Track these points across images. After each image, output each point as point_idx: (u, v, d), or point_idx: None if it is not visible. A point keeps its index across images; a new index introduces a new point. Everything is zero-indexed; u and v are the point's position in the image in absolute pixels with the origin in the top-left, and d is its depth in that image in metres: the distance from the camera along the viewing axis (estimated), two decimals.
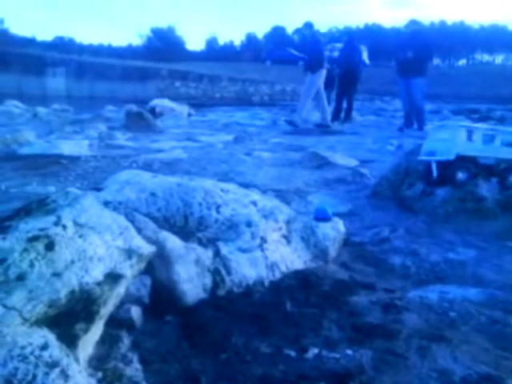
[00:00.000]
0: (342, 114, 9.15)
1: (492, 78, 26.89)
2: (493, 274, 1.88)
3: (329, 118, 8.09)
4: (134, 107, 7.72)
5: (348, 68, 8.55)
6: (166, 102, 11.41)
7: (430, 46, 7.47)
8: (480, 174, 2.70)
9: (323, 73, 7.68)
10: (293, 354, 1.28)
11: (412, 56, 6.82)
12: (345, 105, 9.10)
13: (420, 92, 7.10)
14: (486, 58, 72.22)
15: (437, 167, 2.66)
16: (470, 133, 2.65)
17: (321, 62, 7.59)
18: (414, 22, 7.30)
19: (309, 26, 7.81)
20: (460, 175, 2.63)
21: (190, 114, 10.37)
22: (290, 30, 76.28)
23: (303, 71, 8.00)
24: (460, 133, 2.64)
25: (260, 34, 76.35)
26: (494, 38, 63.75)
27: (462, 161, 2.63)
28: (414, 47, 6.86)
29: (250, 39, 73.20)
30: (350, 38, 9.19)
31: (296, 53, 36.78)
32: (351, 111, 9.13)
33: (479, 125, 2.92)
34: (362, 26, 75.93)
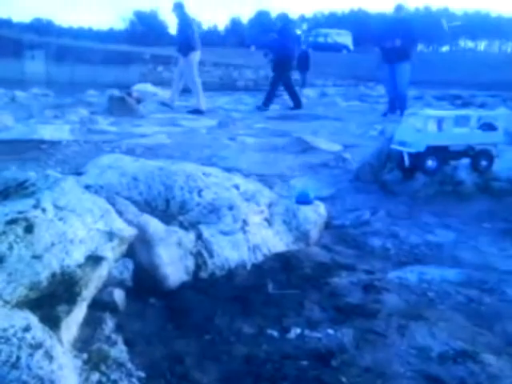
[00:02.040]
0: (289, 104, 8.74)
1: (474, 64, 27.10)
2: (470, 255, 1.93)
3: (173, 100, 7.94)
4: (116, 92, 7.60)
5: (281, 55, 8.12)
6: (148, 87, 11.26)
7: (415, 31, 7.44)
8: (452, 159, 2.74)
9: (196, 55, 7.57)
10: (275, 334, 1.30)
11: (400, 44, 6.82)
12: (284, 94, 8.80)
13: (405, 78, 7.13)
14: (470, 44, 72.81)
15: (408, 156, 2.69)
16: (439, 122, 2.67)
17: (190, 44, 7.46)
18: (400, 7, 7.24)
19: (179, 6, 7.51)
20: (430, 164, 2.66)
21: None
22: (274, 14, 75.65)
23: (177, 53, 7.85)
24: (430, 123, 2.65)
25: (244, 19, 75.60)
26: (477, 25, 64.18)
27: (433, 150, 2.66)
28: (400, 34, 6.84)
29: (235, 24, 72.34)
30: (284, 24, 8.50)
31: None
32: (296, 97, 8.56)
33: (450, 112, 2.92)
34: (347, 11, 75.72)
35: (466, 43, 73.05)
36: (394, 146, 2.79)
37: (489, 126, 2.74)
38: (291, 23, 8.68)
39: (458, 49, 66.42)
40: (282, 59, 8.16)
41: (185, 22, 7.52)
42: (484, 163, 2.72)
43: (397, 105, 7.37)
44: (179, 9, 7.48)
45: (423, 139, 2.63)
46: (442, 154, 2.69)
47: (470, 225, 2.28)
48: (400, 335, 1.29)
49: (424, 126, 2.64)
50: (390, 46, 6.97)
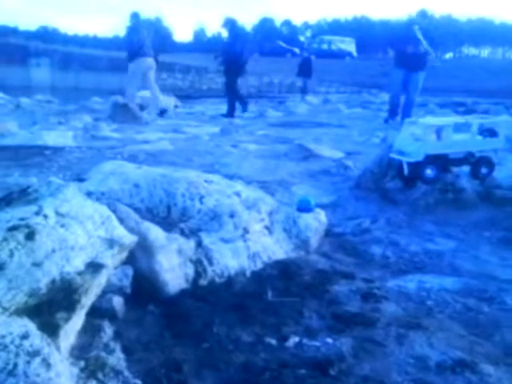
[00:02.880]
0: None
1: (478, 71, 27.17)
2: (469, 263, 1.93)
3: (161, 104, 8.03)
4: (120, 98, 7.65)
5: (229, 58, 8.03)
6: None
7: (435, 39, 7.28)
8: (452, 166, 2.74)
9: (142, 61, 7.66)
10: (274, 342, 1.30)
11: (423, 50, 6.75)
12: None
13: (420, 86, 7.04)
14: (473, 51, 72.92)
15: (408, 165, 2.68)
16: (438, 131, 2.64)
17: (134, 50, 7.61)
18: (424, 14, 7.05)
19: (135, 15, 7.84)
20: (428, 173, 2.65)
21: (176, 106, 10.29)
22: (278, 21, 76.09)
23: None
24: (428, 132, 2.63)
25: (248, 26, 76.02)
26: (480, 32, 64.34)
27: (432, 159, 2.64)
28: (420, 40, 6.74)
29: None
30: (232, 27, 8.26)
31: (284, 45, 36.77)
32: (233, 108, 8.30)
33: (450, 119, 2.86)
34: (350, 18, 76.07)
35: (469, 50, 73.17)
36: (393, 155, 2.79)
37: (490, 132, 2.74)
38: (239, 28, 8.49)
39: (462, 56, 66.51)
40: (231, 63, 8.08)
41: (132, 30, 7.76)
42: (484, 171, 2.72)
43: (398, 111, 7.33)
44: (135, 18, 7.81)
45: (422, 149, 2.62)
46: (442, 162, 2.69)
47: (470, 233, 2.28)
48: (398, 344, 1.29)
49: (422, 135, 2.63)
50: (412, 52, 6.82)
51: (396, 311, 1.47)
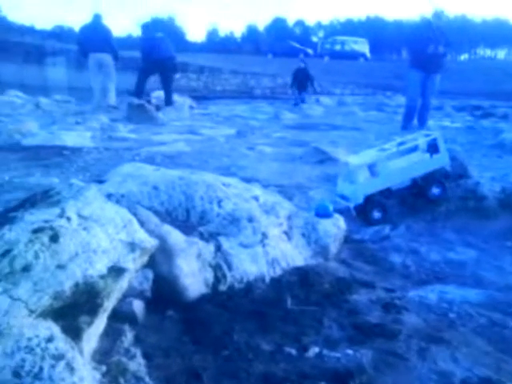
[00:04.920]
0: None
1: (494, 73, 26.75)
2: (492, 274, 1.89)
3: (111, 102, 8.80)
4: (135, 99, 7.69)
5: (148, 57, 8.83)
6: None
7: (449, 39, 7.21)
8: (399, 198, 2.62)
9: (91, 56, 8.61)
10: (294, 352, 1.29)
11: (443, 51, 6.67)
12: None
13: (437, 88, 6.95)
14: (488, 52, 71.86)
15: (354, 209, 2.55)
16: (372, 168, 2.53)
17: (83, 47, 8.74)
18: (440, 14, 6.97)
19: (96, 16, 8.72)
20: (375, 215, 2.54)
21: (191, 107, 10.31)
22: (290, 22, 75.85)
23: None
24: (362, 173, 2.51)
25: (261, 26, 76.04)
26: (496, 33, 63.35)
27: (377, 197, 2.53)
28: (441, 41, 6.63)
29: (251, 31, 72.71)
30: (145, 29, 9.36)
31: (297, 45, 36.63)
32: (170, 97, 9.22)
33: (382, 151, 2.64)
34: (363, 18, 75.51)
35: (484, 51, 72.13)
36: (338, 200, 2.65)
37: (433, 149, 2.58)
38: (151, 29, 9.36)
39: (477, 57, 65.59)
40: (148, 61, 8.85)
41: (84, 28, 8.72)
42: (436, 191, 2.60)
43: (414, 115, 7.22)
44: (94, 18, 8.68)
45: (359, 191, 2.51)
46: (385, 197, 2.56)
47: (492, 243, 2.23)
48: (421, 358, 1.26)
49: (356, 177, 2.51)
50: (433, 53, 6.67)
51: (417, 323, 1.44)
